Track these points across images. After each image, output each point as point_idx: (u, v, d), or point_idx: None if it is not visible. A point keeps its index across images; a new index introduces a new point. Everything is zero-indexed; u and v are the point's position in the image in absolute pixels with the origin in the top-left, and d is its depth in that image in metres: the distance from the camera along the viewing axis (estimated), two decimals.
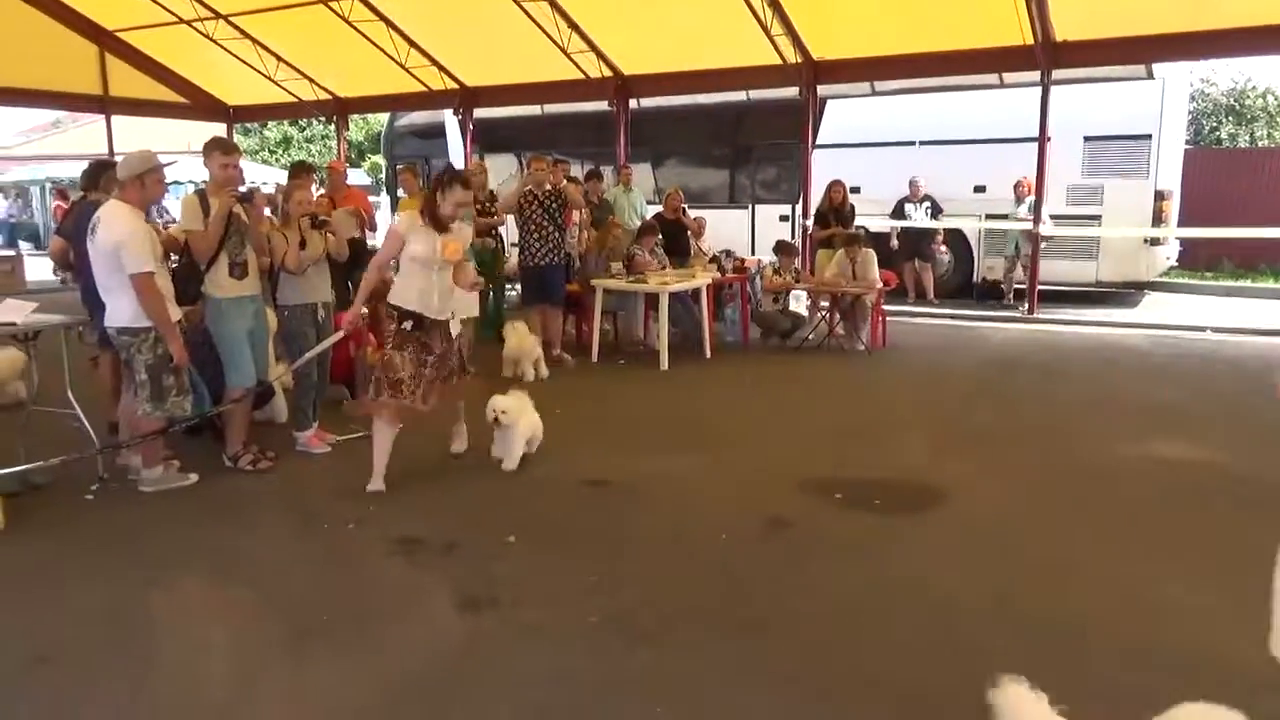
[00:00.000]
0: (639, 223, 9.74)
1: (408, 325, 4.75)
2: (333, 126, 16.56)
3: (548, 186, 8.28)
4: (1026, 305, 11.03)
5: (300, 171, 7.23)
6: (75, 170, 6.13)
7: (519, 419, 5.19)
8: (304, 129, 29.84)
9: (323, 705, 2.89)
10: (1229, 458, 5.35)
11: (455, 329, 5.00)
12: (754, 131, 13.46)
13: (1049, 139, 10.48)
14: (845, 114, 12.65)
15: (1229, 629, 3.32)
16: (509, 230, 9.96)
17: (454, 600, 3.61)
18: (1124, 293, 12.53)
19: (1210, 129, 20.78)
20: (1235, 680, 2.97)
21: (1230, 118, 20.93)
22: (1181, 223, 12.56)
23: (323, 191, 9.32)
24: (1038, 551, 4.09)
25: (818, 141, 12.15)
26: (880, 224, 11.92)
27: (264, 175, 20.69)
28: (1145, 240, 11.39)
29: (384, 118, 19.07)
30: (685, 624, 3.41)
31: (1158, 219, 11.24)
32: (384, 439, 4.84)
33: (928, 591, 3.68)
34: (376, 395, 4.76)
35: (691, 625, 3.41)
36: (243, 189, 5.34)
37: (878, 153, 12.39)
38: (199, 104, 15.95)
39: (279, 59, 13.98)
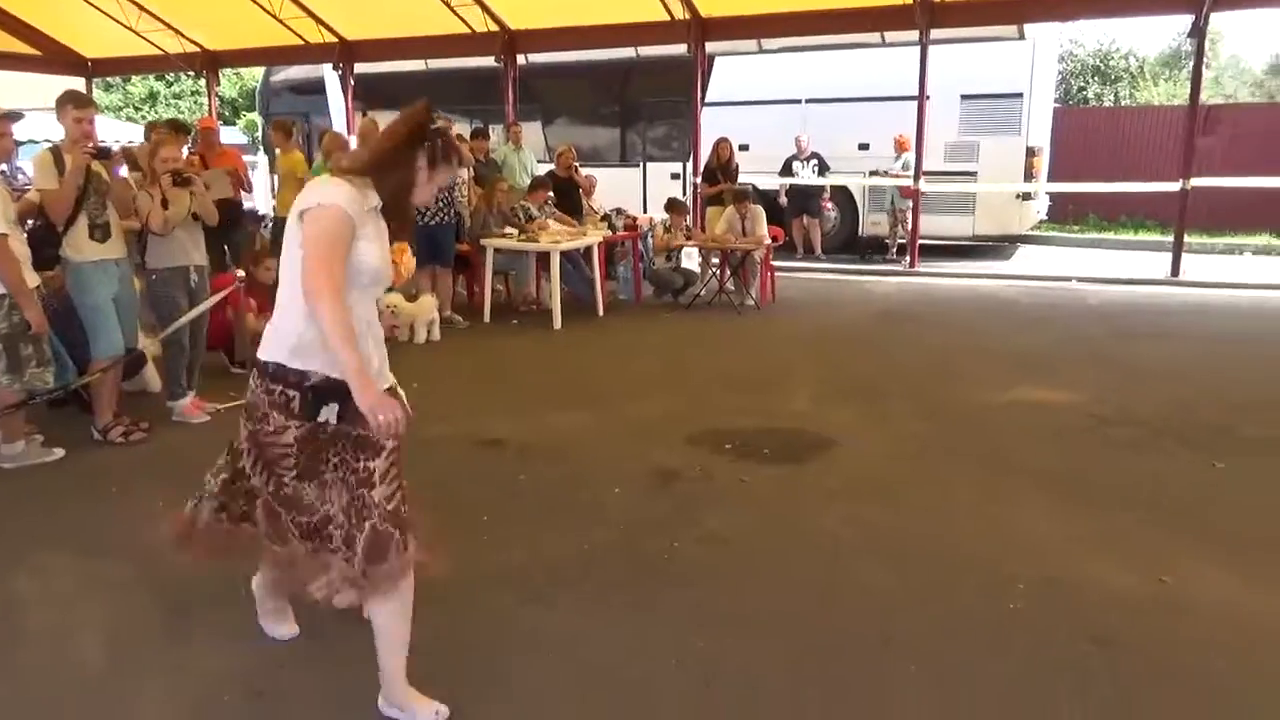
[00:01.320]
0: (529, 182, 9.64)
1: (328, 417, 2.35)
2: (202, 82, 15.71)
3: None
4: (908, 259, 11.41)
5: (170, 128, 6.87)
6: None
7: None
8: (172, 84, 28.19)
9: (205, 676, 2.81)
10: (1093, 398, 5.68)
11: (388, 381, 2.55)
12: (644, 89, 13.42)
13: (928, 97, 10.78)
14: (733, 72, 12.73)
15: (1090, 558, 3.55)
16: None
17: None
18: (999, 246, 13.10)
19: (1078, 89, 21.76)
20: (1091, 603, 3.18)
21: (1096, 78, 21.96)
22: (1051, 178, 13.17)
23: (193, 150, 8.86)
24: (916, 492, 4.28)
25: (707, 99, 12.20)
26: (769, 181, 12.08)
27: (129, 134, 19.48)
28: (1017, 195, 11.90)
29: (259, 73, 18.20)
30: (578, 577, 3.45)
31: (1029, 175, 11.77)
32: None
33: (816, 534, 3.81)
34: (279, 544, 2.50)
35: (585, 578, 3.44)
36: (104, 145, 5.04)
37: (765, 110, 12.54)
38: (53, 56, 14.84)
39: (140, 8, 13.10)
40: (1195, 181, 10.15)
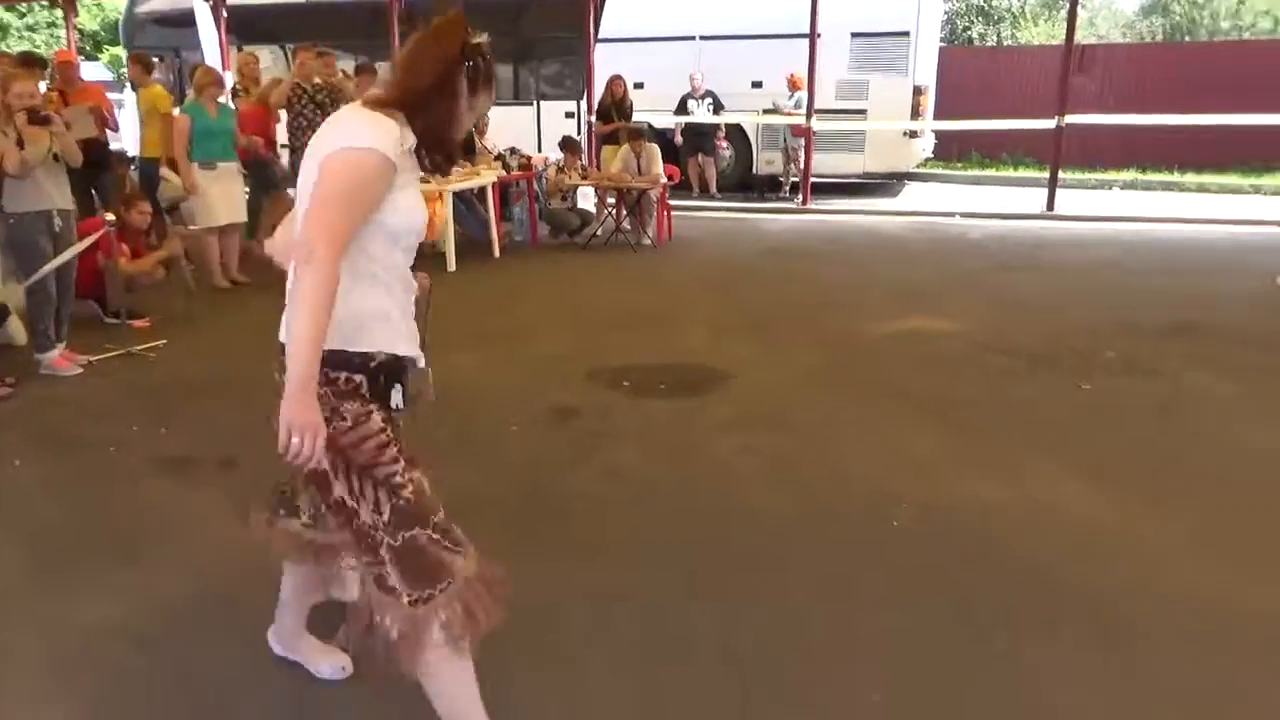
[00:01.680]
0: None
1: (397, 401, 2.04)
2: (59, 12, 14.60)
3: (317, 80, 7.80)
4: (801, 197, 11.59)
5: (20, 62, 6.38)
6: None
7: None
8: (24, 15, 26.09)
9: (86, 627, 2.72)
10: (973, 328, 5.94)
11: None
12: (536, 25, 13.09)
13: (819, 35, 10.86)
14: (626, 7, 12.54)
15: (968, 477, 3.74)
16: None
17: (235, 516, 3.45)
18: (887, 183, 13.42)
19: (963, 29, 22.26)
20: (968, 519, 3.37)
21: (980, 18, 22.48)
22: (936, 117, 13.51)
23: (52, 86, 8.27)
24: (808, 421, 4.42)
25: (600, 35, 12.01)
26: (664, 120, 12.03)
27: None
28: (905, 133, 12.17)
29: (122, 3, 17.01)
30: (477, 515, 3.42)
31: (915, 113, 12.04)
32: (465, 672, 2.16)
33: (712, 464, 3.90)
34: (432, 585, 2.07)
35: (484, 516, 3.41)
36: None
37: (660, 48, 12.42)
38: None
39: None
40: (1069, 119, 10.57)
